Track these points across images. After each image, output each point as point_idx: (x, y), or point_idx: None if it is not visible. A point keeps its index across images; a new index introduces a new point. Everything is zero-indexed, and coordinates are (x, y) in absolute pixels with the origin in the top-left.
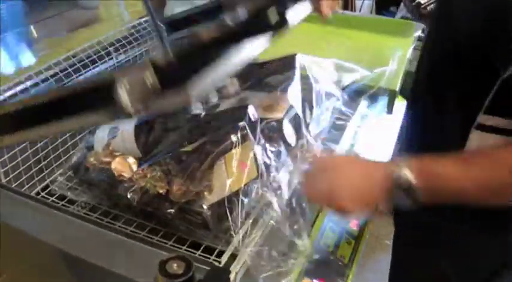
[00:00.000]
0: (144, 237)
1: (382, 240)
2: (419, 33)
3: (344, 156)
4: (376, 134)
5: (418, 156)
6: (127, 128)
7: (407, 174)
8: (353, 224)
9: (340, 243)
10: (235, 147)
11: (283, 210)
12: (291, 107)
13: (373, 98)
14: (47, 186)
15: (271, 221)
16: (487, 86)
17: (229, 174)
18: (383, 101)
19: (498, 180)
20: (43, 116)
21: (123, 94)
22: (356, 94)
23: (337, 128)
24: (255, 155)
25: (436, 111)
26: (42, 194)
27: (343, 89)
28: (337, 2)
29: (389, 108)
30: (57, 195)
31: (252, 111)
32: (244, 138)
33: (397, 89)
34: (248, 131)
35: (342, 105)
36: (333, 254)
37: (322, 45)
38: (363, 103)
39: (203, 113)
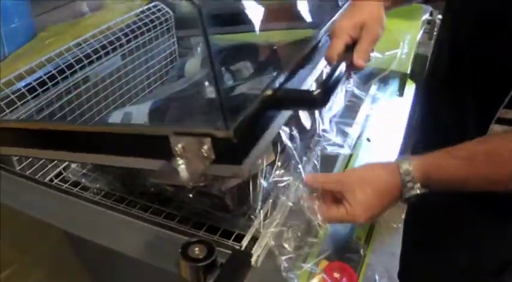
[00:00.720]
0: (161, 222)
1: (389, 222)
2: (427, 16)
3: (352, 179)
4: (388, 117)
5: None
6: (141, 113)
7: (410, 169)
8: None
9: (355, 225)
10: None
11: (301, 192)
12: None
13: (383, 81)
14: (60, 173)
15: (290, 204)
16: (508, 80)
17: None
18: (394, 84)
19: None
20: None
21: (181, 169)
22: (367, 77)
23: (349, 111)
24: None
25: (453, 103)
26: (56, 181)
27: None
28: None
29: (401, 91)
30: (70, 182)
31: None
32: None
33: (408, 72)
34: None
35: (354, 87)
36: (349, 236)
37: None
38: (374, 86)
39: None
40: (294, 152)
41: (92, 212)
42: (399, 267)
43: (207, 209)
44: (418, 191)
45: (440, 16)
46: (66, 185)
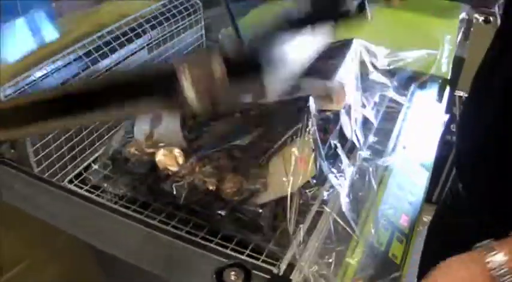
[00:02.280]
0: (188, 237)
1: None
2: (464, 15)
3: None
4: (423, 122)
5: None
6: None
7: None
8: (403, 220)
9: (392, 242)
10: (294, 142)
11: (341, 210)
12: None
13: (420, 85)
14: (80, 174)
15: (330, 223)
16: None
17: (287, 172)
18: (432, 88)
19: None
20: (97, 101)
21: (189, 91)
22: (407, 81)
23: (388, 118)
24: (314, 150)
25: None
26: (76, 182)
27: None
28: None
29: (440, 97)
30: (90, 185)
31: (312, 103)
32: (303, 132)
33: (449, 77)
34: (309, 124)
35: (394, 93)
36: (385, 254)
37: (364, 27)
38: (414, 91)
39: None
40: (333, 166)
41: (112, 221)
42: (418, 274)
43: (239, 227)
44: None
45: (477, 15)
46: (87, 187)
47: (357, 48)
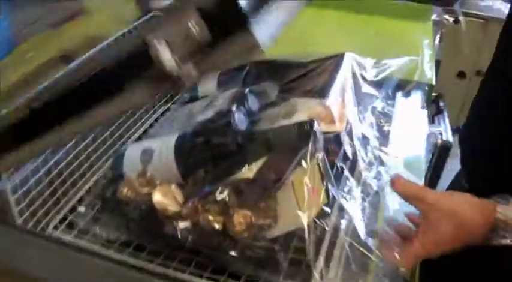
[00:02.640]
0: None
1: None
2: (435, 17)
3: (444, 209)
4: (413, 133)
5: None
6: (165, 150)
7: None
8: None
9: None
10: (302, 169)
11: (356, 235)
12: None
13: (407, 93)
14: (65, 218)
15: (347, 250)
16: None
17: (299, 202)
18: (417, 95)
19: None
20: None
21: (165, 53)
22: (394, 90)
23: (379, 132)
24: (323, 177)
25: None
26: (61, 227)
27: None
28: None
29: (427, 103)
30: (78, 229)
31: (317, 127)
32: (311, 158)
33: (434, 82)
34: (316, 150)
35: (383, 104)
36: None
37: (338, 33)
38: (401, 100)
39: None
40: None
41: (104, 270)
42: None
43: (250, 265)
44: (510, 242)
45: (446, 16)
46: (74, 233)
47: (349, 63)
